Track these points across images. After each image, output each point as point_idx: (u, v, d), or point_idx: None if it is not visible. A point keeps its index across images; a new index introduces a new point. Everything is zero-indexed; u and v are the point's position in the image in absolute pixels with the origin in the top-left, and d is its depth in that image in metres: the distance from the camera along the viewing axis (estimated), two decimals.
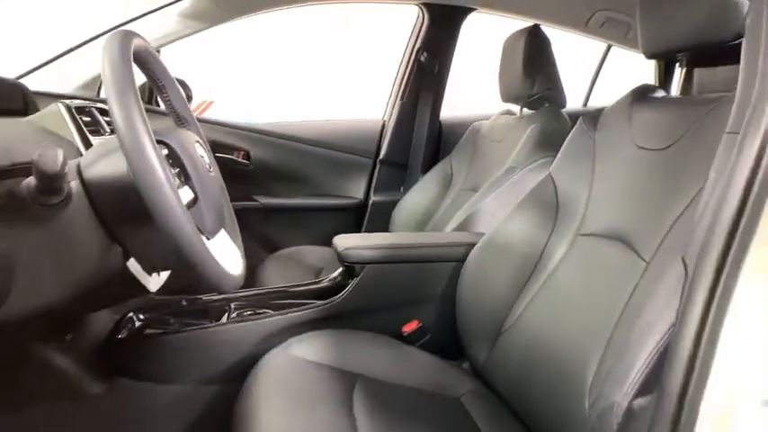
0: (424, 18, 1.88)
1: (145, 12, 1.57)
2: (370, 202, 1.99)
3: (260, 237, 1.90)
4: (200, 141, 0.83)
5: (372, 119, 2.06)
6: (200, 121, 1.82)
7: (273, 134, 1.93)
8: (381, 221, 1.93)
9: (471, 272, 1.13)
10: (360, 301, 1.16)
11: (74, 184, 0.65)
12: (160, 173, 0.59)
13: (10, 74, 1.41)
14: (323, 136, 1.98)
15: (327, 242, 1.29)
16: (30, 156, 0.59)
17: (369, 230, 1.97)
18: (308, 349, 1.01)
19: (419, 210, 1.79)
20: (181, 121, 0.90)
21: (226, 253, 0.80)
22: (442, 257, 1.19)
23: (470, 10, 1.86)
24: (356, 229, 2.02)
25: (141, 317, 1.13)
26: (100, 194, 0.66)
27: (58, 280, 0.67)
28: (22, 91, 1.14)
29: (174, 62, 1.66)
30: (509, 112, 1.75)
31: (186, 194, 0.71)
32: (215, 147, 1.82)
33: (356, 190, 2.01)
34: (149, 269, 0.77)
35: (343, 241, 1.19)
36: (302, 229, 1.91)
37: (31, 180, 0.59)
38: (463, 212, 1.39)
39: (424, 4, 1.84)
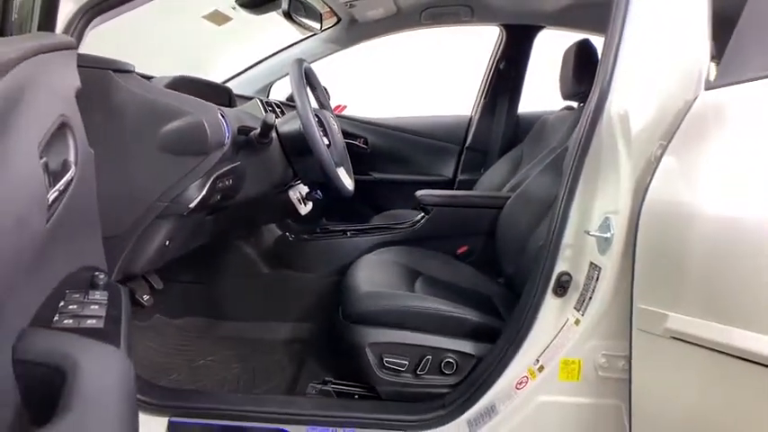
0: (503, 35, 2.37)
1: (299, 39, 2.29)
2: (457, 179, 2.50)
3: (372, 202, 2.52)
4: (333, 117, 1.47)
5: (461, 114, 2.57)
6: (336, 116, 2.50)
7: (386, 126, 2.55)
8: None
9: (506, 214, 1.63)
10: (428, 230, 1.72)
11: (273, 134, 1.30)
12: (315, 128, 1.22)
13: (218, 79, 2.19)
14: (422, 127, 2.55)
15: None
16: (245, 123, 1.24)
17: None
18: (389, 255, 1.59)
19: (494, 185, 2.24)
20: (323, 106, 1.55)
21: (344, 177, 1.41)
22: (487, 205, 1.70)
23: (541, 27, 2.30)
24: None
25: (294, 234, 1.81)
26: (286, 139, 1.32)
27: (261, 183, 1.33)
28: (228, 92, 1.67)
29: (324, 77, 2.33)
30: (569, 107, 2.16)
31: (325, 141, 1.34)
32: (343, 135, 2.48)
33: (446, 170, 2.54)
34: (306, 182, 1.42)
35: (422, 191, 1.76)
36: (403, 197, 2.42)
37: (256, 131, 1.25)
38: (513, 180, 1.88)
39: (504, 24, 2.33)
